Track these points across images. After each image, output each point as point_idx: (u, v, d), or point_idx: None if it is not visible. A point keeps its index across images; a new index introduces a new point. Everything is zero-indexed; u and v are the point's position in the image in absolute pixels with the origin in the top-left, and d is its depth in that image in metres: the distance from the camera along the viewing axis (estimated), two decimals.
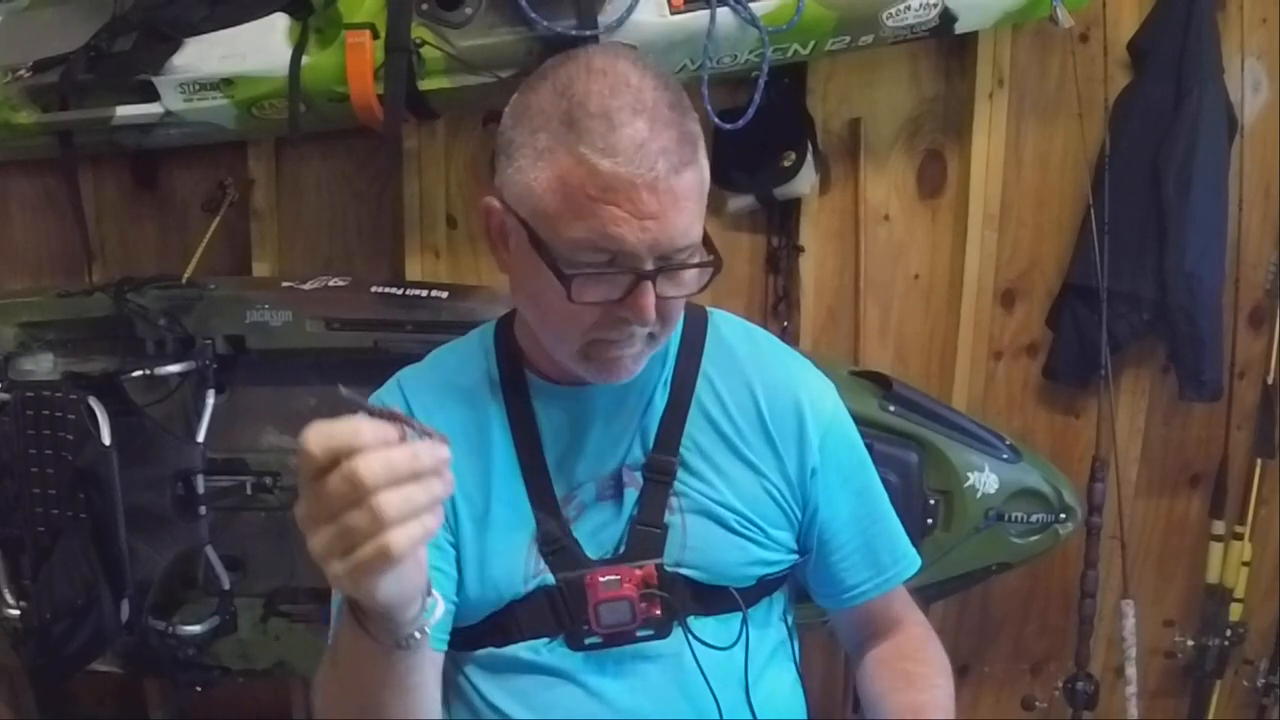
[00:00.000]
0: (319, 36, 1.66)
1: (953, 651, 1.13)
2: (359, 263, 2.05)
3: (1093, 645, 2.02)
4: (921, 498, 1.73)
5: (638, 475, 1.03)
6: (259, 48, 1.66)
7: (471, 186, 2.01)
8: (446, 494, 0.70)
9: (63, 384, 1.62)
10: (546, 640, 1.02)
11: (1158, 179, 1.92)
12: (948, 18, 1.70)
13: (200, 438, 1.66)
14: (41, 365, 1.78)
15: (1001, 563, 1.79)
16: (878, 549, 1.10)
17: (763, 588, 1.06)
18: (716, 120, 1.66)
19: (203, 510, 1.65)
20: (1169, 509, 2.21)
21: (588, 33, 1.57)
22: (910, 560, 1.12)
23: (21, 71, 1.74)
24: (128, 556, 1.58)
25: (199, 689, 1.78)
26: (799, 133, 1.93)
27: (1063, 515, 1.78)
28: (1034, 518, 1.77)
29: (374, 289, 1.77)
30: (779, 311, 2.04)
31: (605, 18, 1.59)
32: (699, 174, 0.92)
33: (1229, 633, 2.07)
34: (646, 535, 1.01)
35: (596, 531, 1.02)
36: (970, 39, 1.93)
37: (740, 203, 1.97)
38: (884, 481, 1.15)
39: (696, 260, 0.93)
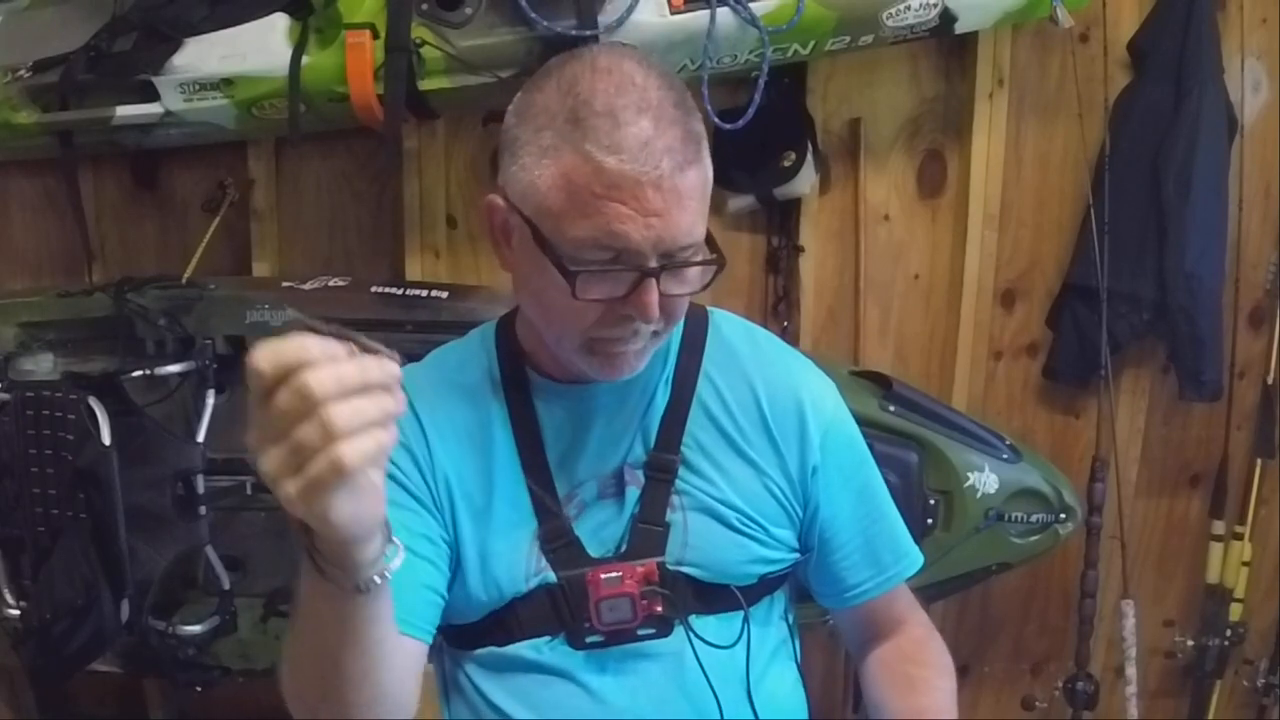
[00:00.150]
0: (319, 36, 1.67)
1: (953, 651, 1.13)
2: (359, 263, 2.06)
3: (1093, 645, 2.02)
4: (921, 498, 1.74)
5: (639, 473, 1.02)
6: (259, 48, 1.66)
7: (471, 186, 2.01)
8: (398, 411, 0.67)
9: (63, 384, 1.62)
10: (548, 639, 1.01)
11: (1158, 179, 1.92)
12: (948, 18, 1.70)
13: (200, 438, 1.66)
14: (41, 365, 1.78)
15: (1001, 563, 1.79)
16: (879, 547, 1.10)
17: (764, 586, 1.06)
18: (716, 120, 1.66)
19: (203, 510, 1.65)
20: (1169, 509, 2.22)
21: (588, 33, 1.57)
22: (912, 559, 1.12)
23: (21, 71, 1.74)
24: (128, 556, 1.58)
25: (199, 689, 1.78)
26: (799, 133, 1.93)
27: (1063, 515, 1.78)
28: (1034, 518, 1.77)
29: (374, 289, 1.77)
30: (779, 311, 2.04)
31: (605, 18, 1.60)
32: (703, 173, 0.92)
33: (1229, 633, 2.07)
34: (648, 533, 1.01)
35: (598, 530, 1.02)
36: (970, 39, 1.93)
37: (740, 203, 1.97)
38: (884, 481, 1.14)
39: (700, 258, 0.93)
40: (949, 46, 1.99)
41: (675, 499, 1.02)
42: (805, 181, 1.95)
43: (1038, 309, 2.11)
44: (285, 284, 1.79)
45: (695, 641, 1.00)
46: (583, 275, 0.89)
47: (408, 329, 1.71)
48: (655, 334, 0.96)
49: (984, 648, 2.22)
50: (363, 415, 0.64)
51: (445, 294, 1.76)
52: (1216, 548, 2.09)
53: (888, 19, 1.67)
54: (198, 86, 1.68)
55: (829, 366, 1.17)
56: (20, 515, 1.61)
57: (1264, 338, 2.10)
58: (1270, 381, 2.07)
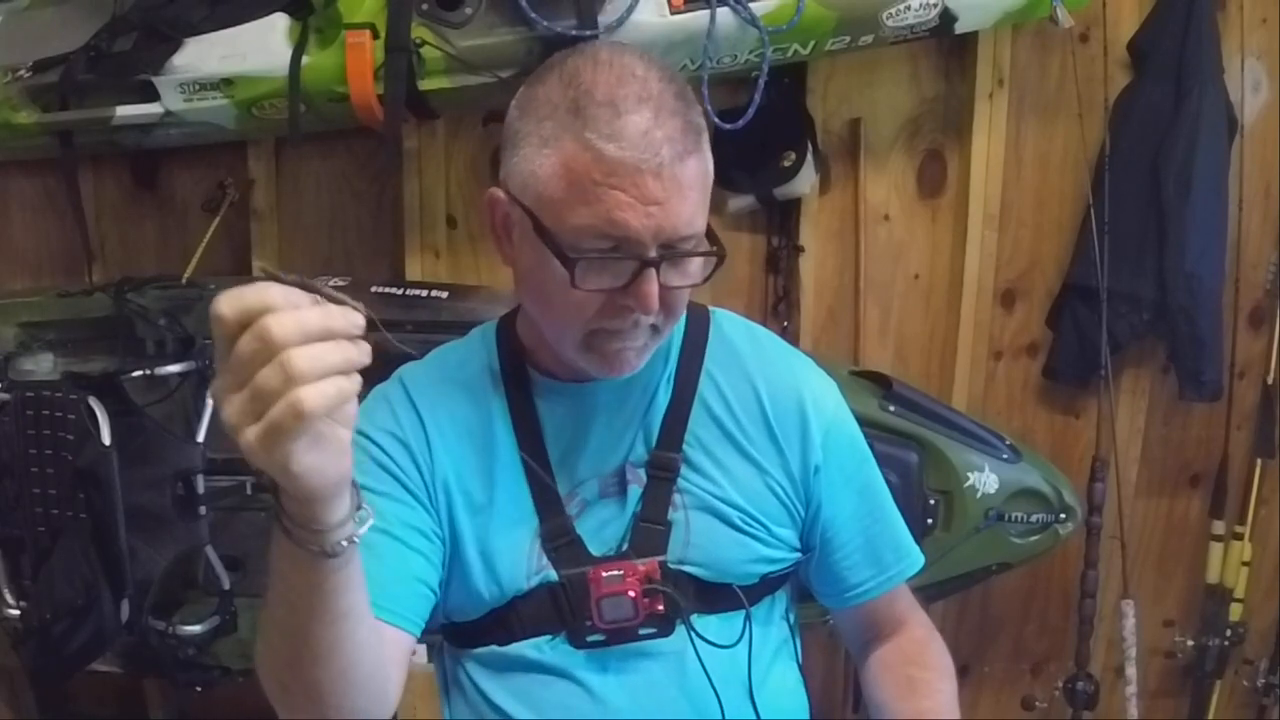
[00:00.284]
0: (319, 36, 1.67)
1: (953, 651, 1.13)
2: (359, 263, 2.06)
3: (1093, 645, 2.02)
4: (921, 498, 1.74)
5: (641, 472, 1.02)
6: (259, 48, 1.66)
7: (471, 186, 2.01)
8: (363, 360, 0.67)
9: (63, 384, 1.62)
10: (549, 638, 1.01)
11: (1158, 179, 1.92)
12: (948, 18, 1.70)
13: (200, 438, 1.65)
14: (41, 365, 1.78)
15: (1001, 563, 1.79)
16: (880, 547, 1.10)
17: (765, 586, 1.06)
18: (716, 120, 1.66)
19: (203, 510, 1.65)
20: (1169, 509, 2.22)
21: (588, 33, 1.57)
22: (913, 558, 1.12)
23: (21, 71, 1.74)
24: (128, 556, 1.58)
25: (199, 689, 1.78)
26: (799, 133, 1.93)
27: (1063, 515, 1.78)
28: (1034, 518, 1.77)
29: (374, 289, 1.77)
30: (779, 311, 2.04)
31: (605, 18, 1.60)
32: (703, 164, 0.92)
33: (1229, 633, 2.07)
34: (650, 532, 1.01)
35: (600, 528, 1.02)
36: (970, 39, 1.93)
37: (740, 203, 1.97)
38: (884, 481, 1.14)
39: (700, 251, 0.94)
40: (949, 46, 1.99)
41: (677, 498, 1.02)
42: (805, 181, 1.95)
43: (1038, 309, 2.11)
44: None
45: (697, 641, 1.00)
46: (582, 263, 0.89)
47: (408, 329, 1.70)
48: (655, 331, 0.96)
49: (984, 648, 2.22)
50: (324, 361, 0.63)
51: (445, 294, 1.76)
52: (1216, 548, 2.09)
53: (888, 19, 1.67)
54: (198, 86, 1.68)
55: (829, 366, 1.17)
56: (20, 515, 1.61)
57: (1264, 338, 2.10)
58: (1270, 381, 2.07)
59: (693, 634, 1.00)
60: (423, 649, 1.02)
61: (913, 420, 1.75)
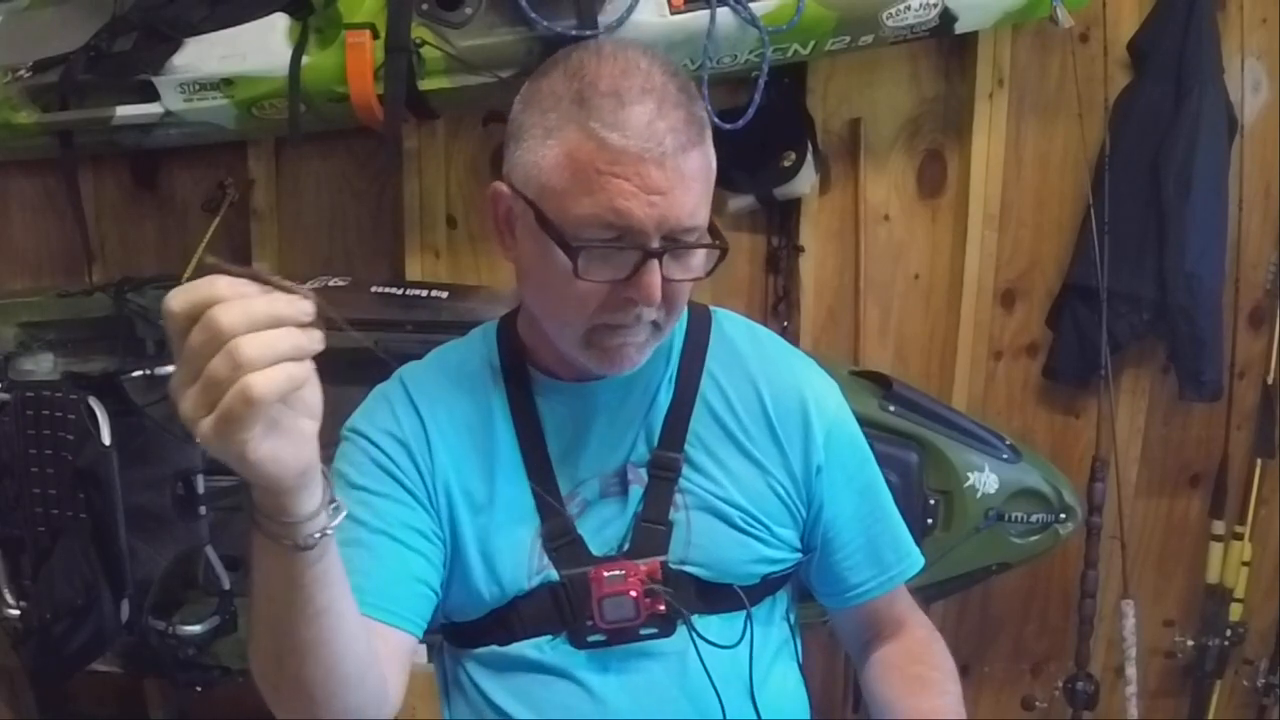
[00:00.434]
0: (319, 36, 1.67)
1: (953, 651, 1.13)
2: (359, 263, 2.06)
3: (1093, 645, 2.02)
4: (921, 498, 1.74)
5: (643, 472, 1.02)
6: (259, 48, 1.66)
7: (471, 186, 2.01)
8: (313, 347, 0.67)
9: (63, 384, 1.62)
10: (549, 638, 1.01)
11: (1158, 179, 1.92)
12: (948, 18, 1.70)
13: None
14: (41, 365, 1.78)
15: (1001, 563, 1.79)
16: (881, 547, 1.10)
17: (766, 586, 1.06)
18: (717, 120, 1.65)
19: (203, 510, 1.65)
20: (1169, 509, 2.22)
21: (588, 33, 1.57)
22: (914, 559, 1.12)
23: (21, 71, 1.74)
24: (128, 556, 1.58)
25: (199, 689, 1.78)
26: (799, 133, 1.93)
27: (1063, 515, 1.78)
28: (1034, 518, 1.77)
29: (374, 289, 1.77)
30: (779, 311, 2.04)
31: (605, 18, 1.60)
32: (706, 158, 0.93)
33: (1229, 633, 2.07)
34: (651, 532, 1.01)
35: (601, 528, 1.02)
36: (970, 39, 1.93)
37: (740, 203, 1.97)
38: (885, 481, 1.14)
39: (703, 243, 0.94)
40: (949, 46, 1.99)
41: (678, 498, 1.02)
42: (805, 181, 1.95)
43: (1038, 309, 2.11)
44: None
45: (698, 641, 1.00)
46: (585, 252, 0.89)
47: (408, 329, 1.71)
48: (656, 328, 0.96)
49: (984, 648, 2.22)
50: (272, 348, 0.64)
51: (445, 294, 1.76)
52: (1216, 548, 2.09)
53: (888, 19, 1.67)
54: (198, 86, 1.68)
55: (829, 366, 1.17)
56: (20, 515, 1.62)
57: (1264, 338, 2.10)
58: (1270, 381, 2.07)
59: (694, 634, 1.00)
60: (423, 649, 1.01)
61: (913, 420, 1.75)
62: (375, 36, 1.62)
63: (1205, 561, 2.11)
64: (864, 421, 1.14)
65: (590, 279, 0.90)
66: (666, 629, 1.01)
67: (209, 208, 1.95)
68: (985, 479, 1.74)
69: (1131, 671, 1.97)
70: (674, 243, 0.91)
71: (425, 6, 1.62)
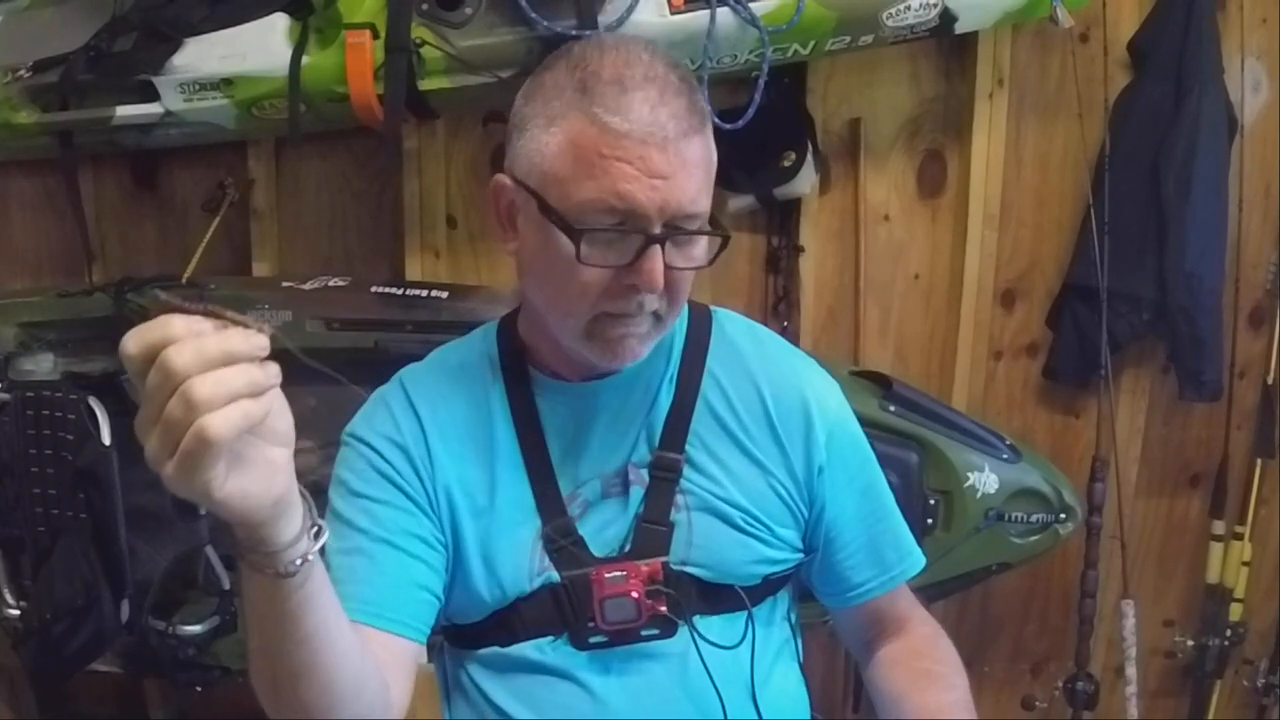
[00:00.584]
0: (319, 36, 1.66)
1: None
2: (359, 263, 2.05)
3: (1093, 645, 2.02)
4: (921, 498, 1.73)
5: (644, 473, 1.02)
6: (259, 48, 1.66)
7: (471, 186, 2.01)
8: (269, 383, 0.66)
9: (63, 384, 1.62)
10: (551, 639, 1.01)
11: (1158, 179, 1.92)
12: (948, 18, 1.70)
13: None
14: (41, 365, 1.78)
15: (1001, 563, 1.79)
16: (883, 546, 1.10)
17: (767, 587, 1.06)
18: (717, 120, 1.65)
19: (203, 510, 1.65)
20: (1169, 509, 2.22)
21: (588, 33, 1.57)
22: (915, 558, 1.12)
23: (21, 71, 1.74)
24: (128, 556, 1.58)
25: (199, 689, 1.78)
26: (799, 133, 1.93)
27: (1063, 515, 1.78)
28: (1034, 518, 1.77)
29: (374, 289, 1.77)
30: (779, 311, 2.04)
31: (605, 18, 1.60)
32: (707, 147, 0.94)
33: (1229, 633, 2.07)
34: (652, 533, 1.01)
35: (602, 529, 1.02)
36: (970, 39, 1.93)
37: (740, 203, 1.97)
38: (886, 481, 1.14)
39: (705, 230, 0.94)
40: (949, 46, 1.99)
41: (680, 498, 1.02)
42: (805, 181, 1.95)
43: (1038, 309, 2.11)
44: (285, 284, 1.79)
45: (699, 642, 1.00)
46: (588, 236, 0.89)
47: (408, 329, 1.71)
48: (658, 320, 0.96)
49: (984, 648, 2.22)
50: (226, 386, 0.63)
51: (445, 294, 1.76)
52: (1216, 548, 2.09)
53: (888, 19, 1.67)
54: (198, 86, 1.68)
55: (829, 366, 1.17)
56: (20, 515, 1.61)
57: (1264, 338, 2.10)
58: (1270, 381, 2.07)
59: (695, 635, 1.00)
60: (423, 650, 1.02)
61: (913, 420, 1.75)
62: (375, 36, 1.61)
63: (1205, 561, 2.11)
64: (864, 421, 1.14)
65: (593, 264, 0.90)
66: (668, 630, 1.01)
67: (209, 208, 1.95)
68: (985, 479, 1.74)
69: (1131, 671, 1.97)
70: (676, 229, 0.91)
71: (425, 6, 1.62)
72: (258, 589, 0.76)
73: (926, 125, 2.04)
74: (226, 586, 1.71)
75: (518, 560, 1.00)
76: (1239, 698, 2.18)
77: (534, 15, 1.57)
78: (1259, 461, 2.08)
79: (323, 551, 0.77)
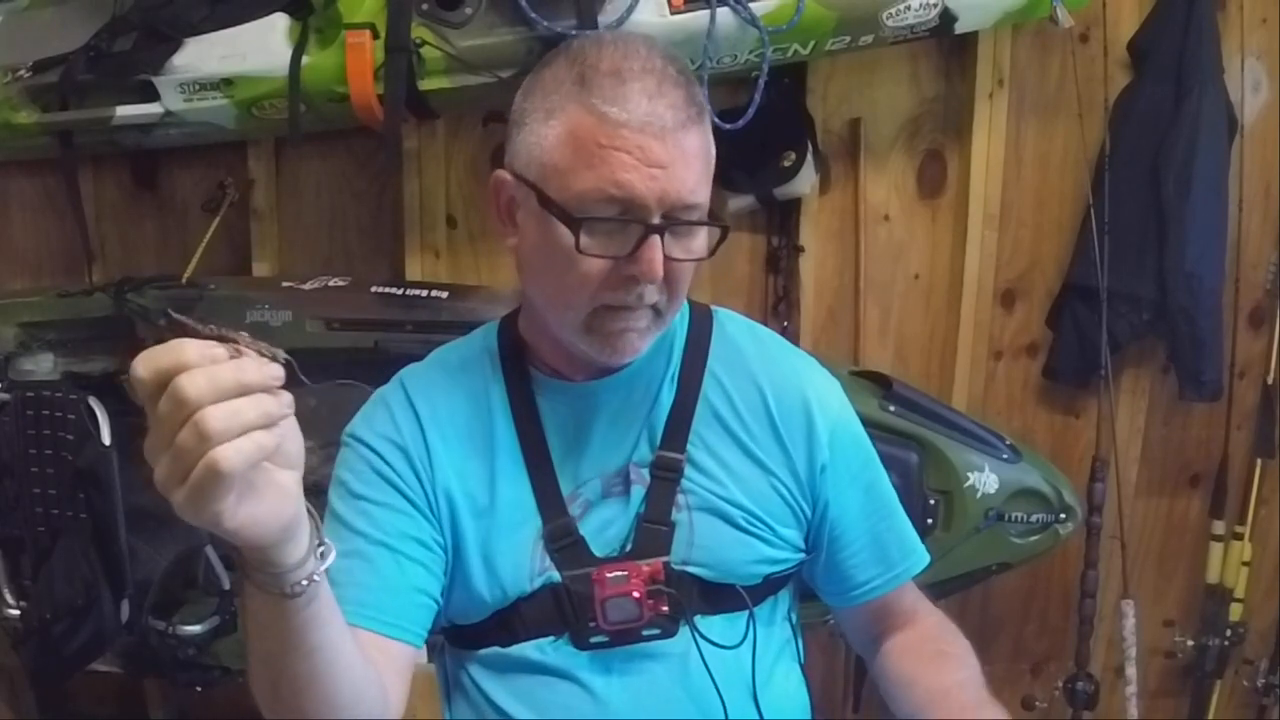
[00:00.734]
0: (319, 36, 1.67)
1: None
2: (359, 263, 2.06)
3: (1093, 645, 2.02)
4: (921, 498, 1.73)
5: (645, 472, 1.02)
6: (259, 48, 1.66)
7: (471, 186, 2.01)
8: (282, 413, 0.66)
9: (63, 384, 1.62)
10: (552, 639, 1.01)
11: (1158, 179, 1.92)
12: (948, 18, 1.70)
13: None
14: (41, 365, 1.78)
15: (1001, 563, 1.79)
16: (886, 544, 1.09)
17: (769, 586, 1.06)
18: (717, 120, 1.65)
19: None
20: (1169, 509, 2.22)
21: (588, 33, 1.57)
22: (919, 556, 1.11)
23: (21, 71, 1.74)
24: (128, 556, 1.58)
25: (199, 689, 1.78)
26: (799, 133, 1.93)
27: (1063, 515, 1.78)
28: (1034, 518, 1.77)
29: (374, 289, 1.77)
30: (779, 311, 2.04)
31: (605, 18, 1.60)
32: (705, 139, 0.94)
33: (1229, 633, 2.07)
34: (653, 533, 1.01)
35: (603, 528, 1.02)
36: (970, 39, 1.93)
37: (740, 203, 1.97)
38: (889, 480, 1.14)
39: (704, 221, 0.94)
40: (949, 46, 1.99)
41: (680, 498, 1.02)
42: (805, 181, 1.95)
43: (1038, 309, 2.11)
44: (285, 284, 1.79)
45: (700, 642, 1.00)
46: (587, 224, 0.89)
47: (408, 329, 1.71)
48: (658, 315, 0.96)
49: (984, 648, 2.18)
50: (239, 417, 0.63)
51: (445, 294, 1.76)
52: (1216, 548, 2.09)
53: (888, 19, 1.67)
54: (198, 86, 1.68)
55: (829, 366, 1.17)
56: (20, 515, 1.62)
57: (1264, 338, 2.10)
58: (1270, 381, 2.07)
59: (696, 635, 1.00)
60: (422, 650, 1.02)
61: (913, 420, 1.75)
62: (375, 36, 1.62)
63: (1205, 561, 2.11)
64: (864, 421, 1.14)
65: (592, 254, 0.90)
66: (669, 630, 1.00)
67: (209, 208, 1.95)
68: (985, 479, 1.74)
69: (1131, 671, 1.97)
70: (675, 220, 0.91)
71: (425, 6, 1.62)
72: (262, 606, 0.76)
73: (926, 125, 2.04)
74: (226, 586, 1.72)
75: (518, 560, 1.00)
76: (1239, 698, 2.18)
77: (534, 15, 1.57)
78: (1259, 461, 2.08)
79: (328, 570, 0.76)
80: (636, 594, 0.98)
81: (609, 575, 0.99)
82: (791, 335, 2.02)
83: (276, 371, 0.66)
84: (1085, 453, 2.03)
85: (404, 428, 1.02)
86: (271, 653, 0.80)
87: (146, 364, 0.63)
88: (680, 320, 1.08)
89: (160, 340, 0.64)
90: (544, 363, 1.05)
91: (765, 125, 1.72)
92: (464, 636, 1.06)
